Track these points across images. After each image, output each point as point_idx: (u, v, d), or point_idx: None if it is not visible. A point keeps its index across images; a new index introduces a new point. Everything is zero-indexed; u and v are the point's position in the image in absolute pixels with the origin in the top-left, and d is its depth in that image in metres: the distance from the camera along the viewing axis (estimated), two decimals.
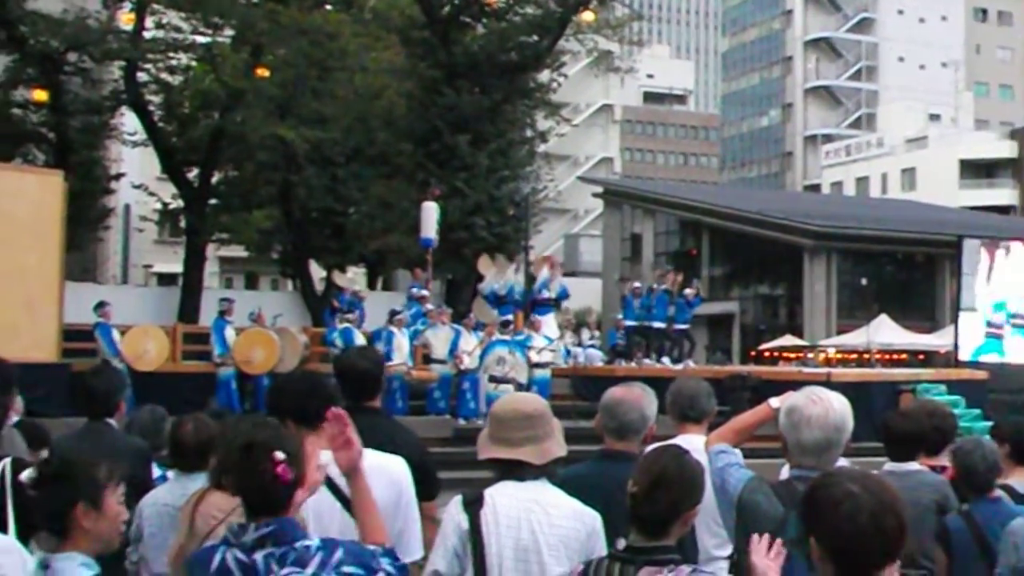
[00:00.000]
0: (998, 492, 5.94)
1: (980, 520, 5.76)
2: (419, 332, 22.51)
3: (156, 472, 6.56)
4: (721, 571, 5.16)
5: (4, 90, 36.21)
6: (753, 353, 46.89)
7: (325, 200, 40.17)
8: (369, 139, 39.34)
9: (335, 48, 32.70)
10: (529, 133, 42.09)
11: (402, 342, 21.32)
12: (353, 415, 4.89)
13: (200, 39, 34.82)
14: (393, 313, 22.08)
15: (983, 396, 22.51)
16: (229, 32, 34.76)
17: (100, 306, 20.24)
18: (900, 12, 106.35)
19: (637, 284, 27.87)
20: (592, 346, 30.68)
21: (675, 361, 25.24)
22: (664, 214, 60.03)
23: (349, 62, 33.75)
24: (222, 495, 4.70)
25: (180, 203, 39.18)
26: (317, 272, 42.37)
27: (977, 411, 20.88)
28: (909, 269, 52.50)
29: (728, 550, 5.09)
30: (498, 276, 25.52)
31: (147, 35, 34.87)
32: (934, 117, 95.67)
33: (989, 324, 28.78)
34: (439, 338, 21.84)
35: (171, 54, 35.31)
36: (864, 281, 51.52)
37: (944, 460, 6.34)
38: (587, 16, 38.39)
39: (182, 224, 41.04)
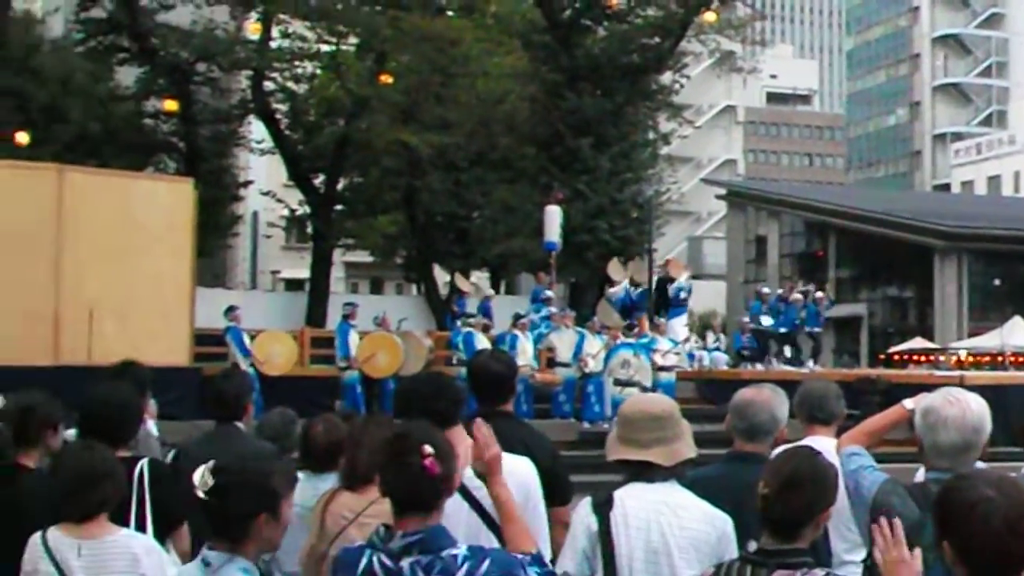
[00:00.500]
0: None
1: None
2: (543, 336, 22.50)
3: None
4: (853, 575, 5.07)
5: (136, 101, 37.22)
6: (882, 356, 46.02)
7: (449, 205, 40.41)
8: (492, 143, 39.43)
9: (457, 54, 32.92)
10: (651, 135, 41.93)
11: (526, 346, 21.31)
12: (486, 419, 4.92)
13: (325, 47, 35.31)
14: (517, 317, 22.09)
15: None
16: (353, 40, 35.21)
17: (230, 310, 20.60)
18: None
19: (766, 289, 27.76)
20: (717, 349, 30.48)
21: (796, 364, 25.00)
22: (789, 215, 59.35)
23: (471, 67, 33.93)
24: (352, 495, 4.75)
25: (307, 209, 39.74)
26: (441, 277, 42.63)
27: None
28: None
29: (860, 554, 4.98)
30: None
31: (273, 44, 35.57)
32: None
33: None
34: (563, 341, 21.81)
35: (297, 63, 35.92)
36: (997, 282, 50.32)
37: None
38: (709, 17, 38.06)
39: (309, 230, 41.65)
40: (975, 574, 3.09)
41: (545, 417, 20.37)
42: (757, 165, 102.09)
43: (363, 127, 34.34)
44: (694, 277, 30.04)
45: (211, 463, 3.70)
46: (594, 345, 21.37)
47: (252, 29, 36.50)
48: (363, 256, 52.75)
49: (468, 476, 4.28)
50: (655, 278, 31.08)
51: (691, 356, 26.80)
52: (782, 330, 25.56)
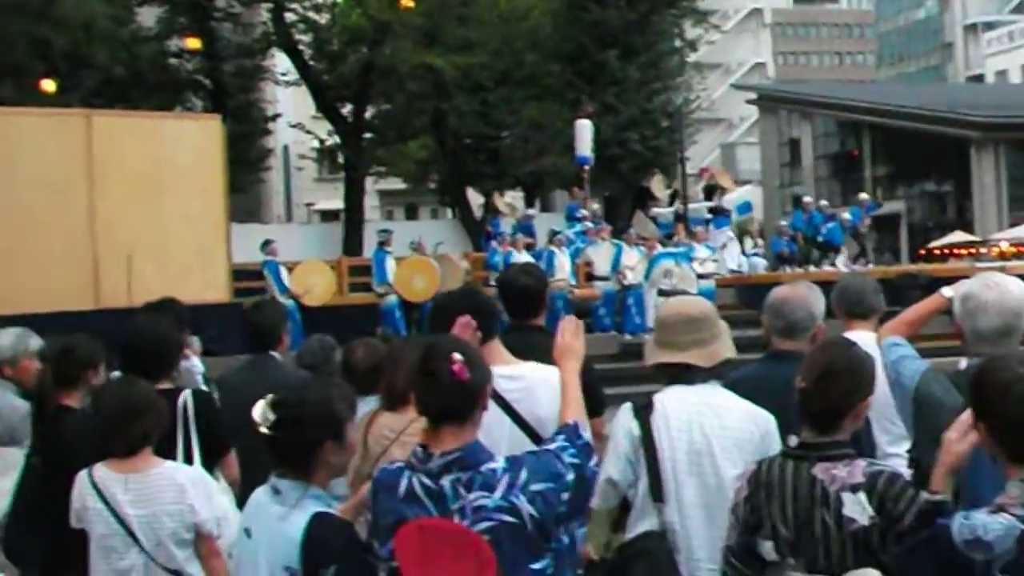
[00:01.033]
0: None
1: None
2: (580, 250, 22.49)
3: None
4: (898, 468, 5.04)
5: (159, 41, 37.14)
6: (923, 252, 45.69)
7: (477, 126, 40.28)
8: (517, 61, 39.20)
9: None
10: (678, 43, 41.50)
11: (563, 261, 21.34)
12: (518, 332, 4.90)
13: None
14: (553, 233, 22.10)
15: None
16: None
17: (266, 244, 20.70)
18: None
19: (808, 198, 27.91)
20: (756, 254, 30.31)
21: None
22: (822, 116, 58.71)
23: None
24: (393, 415, 4.76)
25: (336, 140, 39.73)
26: (476, 199, 42.58)
27: None
28: None
29: (903, 447, 4.93)
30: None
31: None
32: None
33: None
34: (601, 255, 21.82)
35: None
36: None
37: None
38: None
39: (340, 160, 41.63)
40: (1010, 454, 3.07)
41: (587, 331, 20.36)
42: (787, 67, 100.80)
43: (387, 53, 34.23)
44: (710, 186, 30.01)
45: (270, 397, 3.72)
46: (632, 257, 21.36)
47: None
48: (396, 183, 52.70)
49: (507, 389, 4.28)
50: (702, 186, 31.03)
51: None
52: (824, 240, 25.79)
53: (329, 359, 6.69)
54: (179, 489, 4.59)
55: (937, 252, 44.05)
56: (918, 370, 4.28)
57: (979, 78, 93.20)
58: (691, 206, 30.00)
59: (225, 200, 19.88)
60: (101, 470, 4.65)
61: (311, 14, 37.14)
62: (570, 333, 4.10)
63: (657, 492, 4.32)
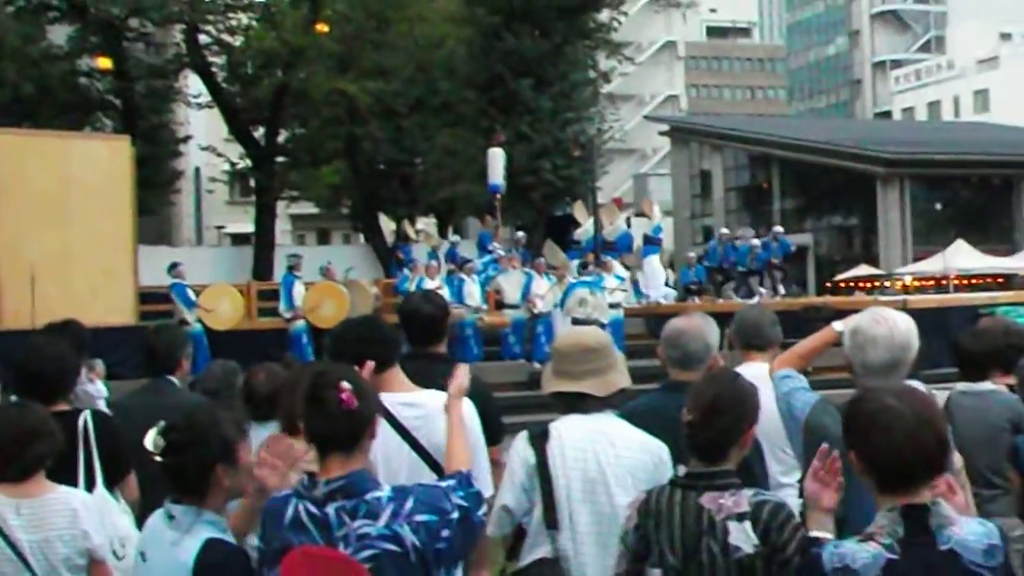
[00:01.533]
0: None
1: None
2: (491, 278, 22.54)
3: None
4: (789, 498, 5.13)
5: (69, 59, 36.61)
6: (828, 284, 46.39)
7: (391, 152, 40.30)
8: (431, 89, 39.28)
9: None
10: (592, 74, 41.74)
11: (473, 289, 21.36)
12: (418, 360, 4.92)
13: None
14: (464, 261, 22.13)
15: None
16: None
17: (173, 267, 20.49)
18: None
19: (725, 230, 28.47)
20: (665, 284, 30.56)
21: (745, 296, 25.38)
22: (733, 149, 59.42)
23: (407, 12, 33.73)
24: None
25: (248, 163, 39.45)
26: (389, 225, 42.53)
27: None
28: (985, 192, 51.43)
29: (796, 476, 5.03)
30: (611, 222, 26.09)
31: None
32: (1005, 36, 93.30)
33: None
34: (511, 283, 21.87)
35: (231, 15, 35.46)
36: (939, 207, 50.65)
37: None
38: None
39: (252, 183, 41.35)
40: (880, 483, 3.16)
41: (496, 359, 20.42)
42: (699, 100, 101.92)
43: (301, 77, 34.09)
44: (641, 215, 30.24)
45: (160, 424, 3.71)
46: (542, 285, 21.43)
47: None
48: (309, 208, 52.52)
49: (407, 416, 4.31)
50: (623, 218, 31.26)
51: (638, 292, 26.83)
52: (740, 268, 26.26)
53: (231, 384, 6.64)
54: (73, 514, 4.54)
55: (843, 285, 44.75)
56: (809, 402, 4.38)
57: (887, 114, 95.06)
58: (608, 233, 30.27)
59: (133, 222, 19.71)
60: None
61: (225, 36, 36.85)
62: (464, 378, 4.24)
63: (551, 519, 4.35)
